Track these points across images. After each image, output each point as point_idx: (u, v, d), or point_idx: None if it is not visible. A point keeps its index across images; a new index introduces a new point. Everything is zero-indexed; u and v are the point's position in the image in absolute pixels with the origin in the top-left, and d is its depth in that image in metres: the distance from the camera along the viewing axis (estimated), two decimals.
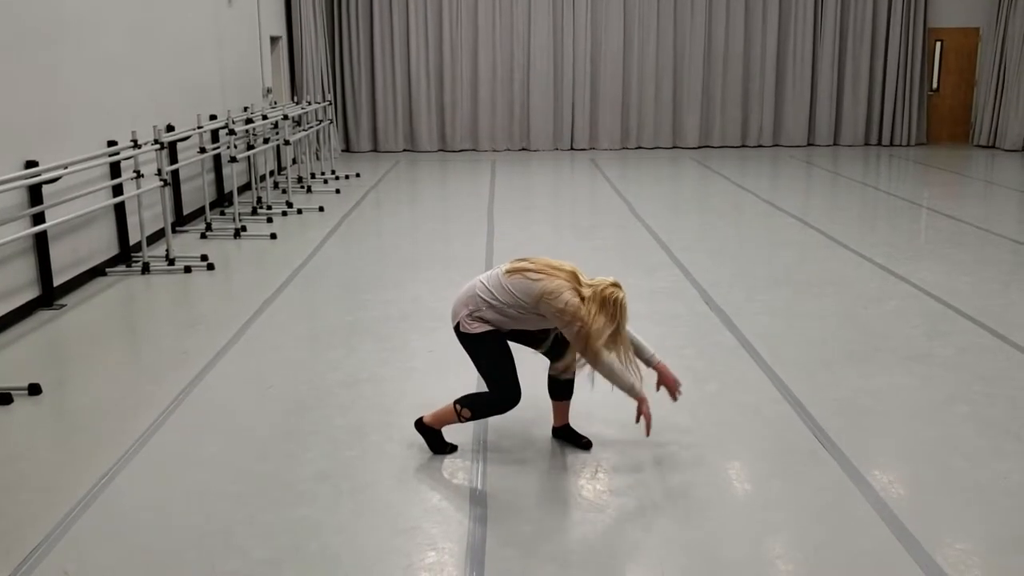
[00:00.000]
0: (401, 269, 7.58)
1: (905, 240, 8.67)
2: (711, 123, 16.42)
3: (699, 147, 16.34)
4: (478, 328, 3.89)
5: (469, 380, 4.70)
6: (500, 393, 3.92)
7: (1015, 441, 4.21)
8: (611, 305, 3.73)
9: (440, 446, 4.12)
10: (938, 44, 16.45)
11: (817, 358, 5.33)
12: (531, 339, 4.08)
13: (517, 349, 4.03)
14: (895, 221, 9.70)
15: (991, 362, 5.24)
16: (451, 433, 4.15)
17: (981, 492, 3.74)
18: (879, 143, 16.51)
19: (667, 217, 9.80)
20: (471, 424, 4.30)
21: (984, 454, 4.08)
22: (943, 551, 3.29)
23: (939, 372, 5.10)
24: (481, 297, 3.89)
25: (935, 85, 16.70)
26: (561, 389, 4.14)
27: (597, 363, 3.79)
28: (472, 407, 3.98)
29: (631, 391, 3.89)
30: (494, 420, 4.41)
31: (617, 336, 3.77)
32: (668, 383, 4.08)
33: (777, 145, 16.51)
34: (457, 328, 3.96)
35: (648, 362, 4.05)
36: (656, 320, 6.08)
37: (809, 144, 16.51)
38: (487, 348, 3.91)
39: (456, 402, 3.99)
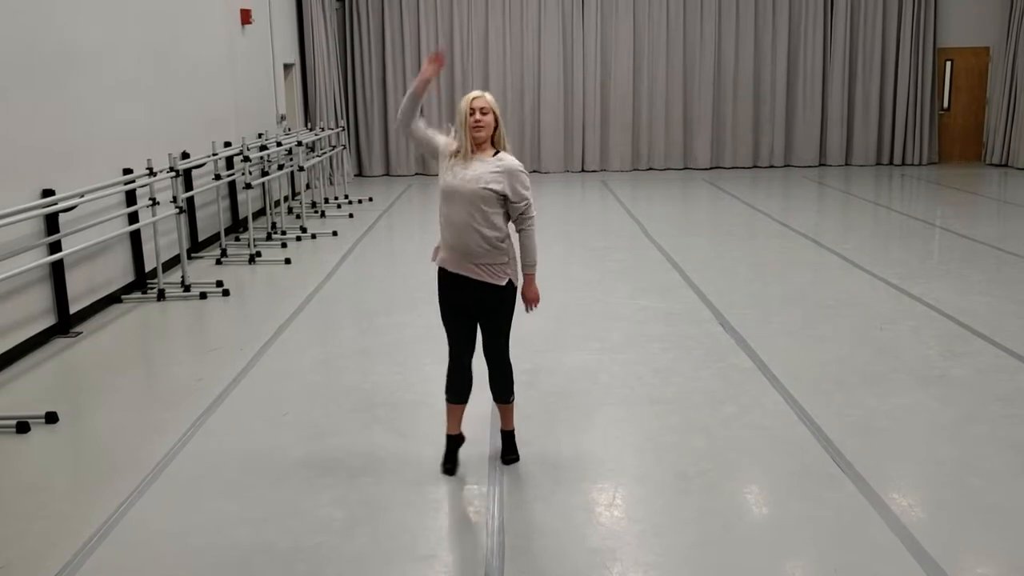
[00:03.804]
0: (415, 292, 7.59)
1: (919, 260, 8.64)
2: (722, 144, 16.44)
3: (710, 168, 16.35)
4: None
5: (484, 402, 4.63)
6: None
7: None
8: None
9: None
10: (948, 63, 16.45)
11: (833, 379, 5.31)
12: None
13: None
14: (908, 241, 9.67)
15: (1008, 382, 5.21)
16: (467, 449, 4.15)
17: (1001, 514, 3.70)
18: (891, 163, 16.48)
19: (680, 238, 9.79)
20: (487, 448, 4.30)
21: (1003, 475, 4.05)
22: (964, 575, 3.26)
23: (956, 392, 5.07)
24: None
25: (946, 104, 16.69)
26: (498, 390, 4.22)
27: None
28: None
29: None
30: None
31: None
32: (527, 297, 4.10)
33: (789, 165, 16.51)
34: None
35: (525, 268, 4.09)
36: (671, 342, 6.07)
37: (821, 164, 16.50)
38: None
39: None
